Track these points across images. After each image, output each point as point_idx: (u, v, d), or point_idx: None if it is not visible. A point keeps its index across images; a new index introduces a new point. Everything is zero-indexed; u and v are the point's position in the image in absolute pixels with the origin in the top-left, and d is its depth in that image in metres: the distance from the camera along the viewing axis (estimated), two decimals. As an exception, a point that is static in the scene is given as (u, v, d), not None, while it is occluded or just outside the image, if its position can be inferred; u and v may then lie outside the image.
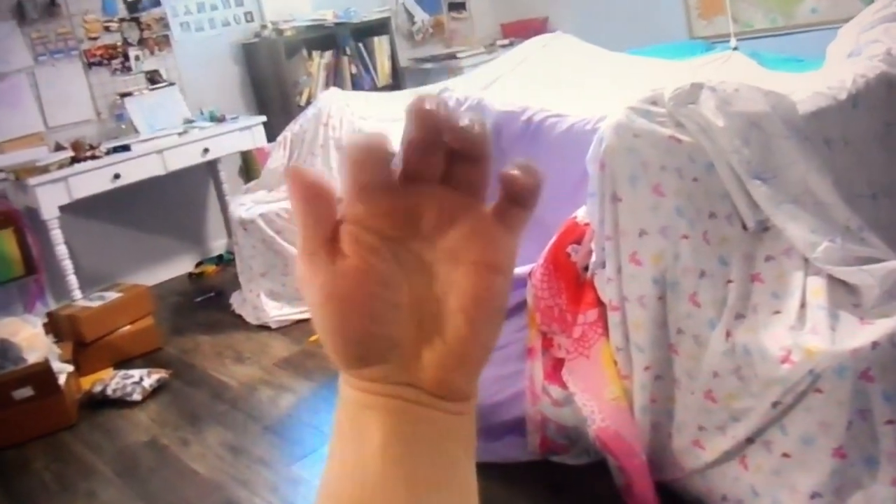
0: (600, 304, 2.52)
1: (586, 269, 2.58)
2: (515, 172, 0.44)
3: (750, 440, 2.23)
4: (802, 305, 2.18)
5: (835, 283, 2.19)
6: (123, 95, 5.22)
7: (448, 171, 0.44)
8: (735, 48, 3.99)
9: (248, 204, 4.55)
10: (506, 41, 6.74)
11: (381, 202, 0.43)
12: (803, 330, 2.13)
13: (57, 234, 4.59)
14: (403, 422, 0.45)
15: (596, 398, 2.50)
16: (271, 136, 5.26)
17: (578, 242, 2.62)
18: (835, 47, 3.09)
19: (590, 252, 2.55)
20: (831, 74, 2.74)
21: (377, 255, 0.43)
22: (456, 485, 0.47)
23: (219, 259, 5.65)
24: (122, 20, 5.31)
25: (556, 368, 2.65)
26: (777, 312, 2.21)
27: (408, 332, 0.45)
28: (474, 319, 0.45)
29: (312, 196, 0.43)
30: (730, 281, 2.29)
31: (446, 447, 0.46)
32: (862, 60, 2.77)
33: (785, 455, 2.16)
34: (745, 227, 2.31)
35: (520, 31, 6.63)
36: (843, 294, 2.19)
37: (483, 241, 0.44)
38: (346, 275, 0.43)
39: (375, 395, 0.45)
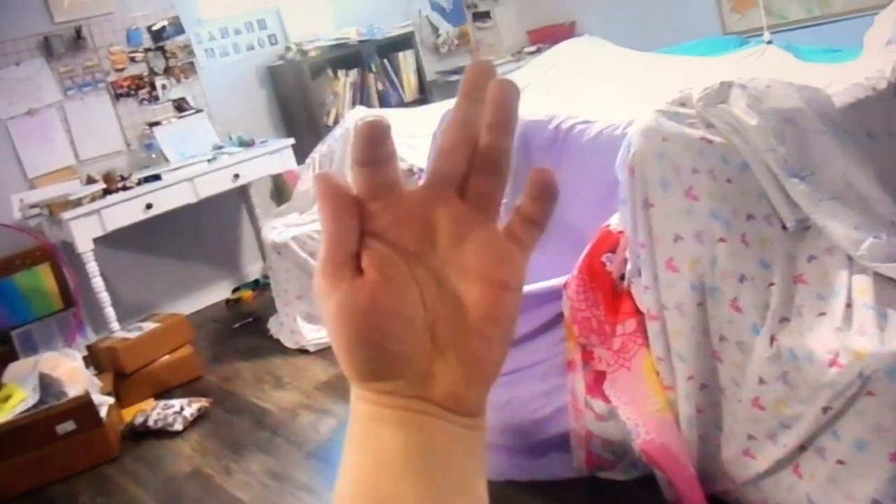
0: (639, 313, 2.46)
1: (622, 277, 2.52)
2: (544, 170, 0.45)
3: (802, 448, 2.17)
4: (848, 305, 2.11)
5: (881, 280, 2.11)
6: (152, 125, 5.24)
7: (464, 184, 0.45)
8: (769, 42, 3.90)
9: (279, 227, 4.53)
10: (533, 48, 6.68)
11: (399, 204, 0.44)
12: (850, 331, 2.06)
13: (93, 267, 4.60)
14: (416, 434, 0.45)
15: (639, 411, 2.44)
16: (301, 158, 5.24)
17: (613, 251, 2.56)
18: (872, 35, 3.00)
19: (625, 260, 2.49)
20: (869, 64, 2.65)
21: (395, 270, 0.43)
22: (470, 498, 0.46)
23: (255, 284, 5.64)
24: (147, 50, 5.34)
25: (597, 381, 2.59)
26: (822, 314, 2.13)
27: (422, 347, 0.45)
28: (488, 336, 0.45)
29: (341, 204, 0.43)
30: (772, 284, 2.22)
31: (459, 460, 0.46)
32: (900, 47, 2.68)
33: (840, 462, 2.08)
34: (784, 227, 2.23)
35: (547, 37, 6.57)
36: (892, 291, 2.10)
37: (497, 258, 0.45)
38: (365, 289, 0.43)
39: (388, 409, 0.45)
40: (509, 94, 0.44)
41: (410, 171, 3.98)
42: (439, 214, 0.44)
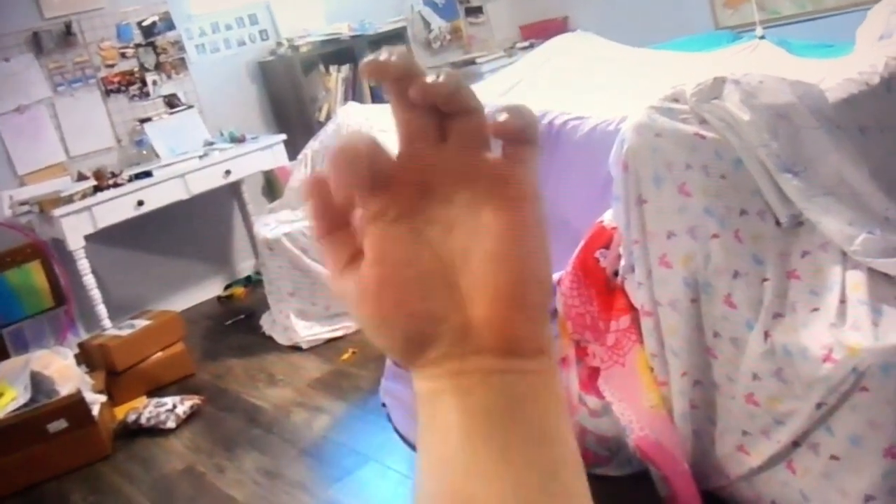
0: (633, 309, 2.46)
1: (616, 273, 2.51)
2: (502, 118, 0.43)
3: (796, 443, 2.16)
4: (842, 301, 2.11)
5: (875, 275, 2.11)
6: (143, 121, 5.22)
7: (444, 132, 0.43)
8: (762, 37, 3.89)
9: (272, 224, 4.51)
10: (525, 43, 6.67)
11: (389, 181, 0.42)
12: (844, 326, 2.06)
13: (84, 264, 4.58)
14: (477, 396, 0.42)
15: (634, 407, 2.43)
16: (293, 153, 5.23)
17: (607, 247, 2.55)
18: (865, 30, 2.99)
19: (618, 256, 2.49)
20: (862, 59, 2.64)
21: (395, 241, 0.43)
22: (552, 454, 0.43)
23: (247, 280, 5.63)
24: (137, 46, 5.32)
25: (591, 378, 2.58)
26: (816, 310, 2.13)
27: (450, 300, 0.43)
28: (513, 255, 0.43)
29: (338, 216, 0.44)
30: (765, 279, 2.21)
31: (530, 414, 0.43)
32: (894, 43, 2.67)
33: (833, 457, 2.08)
34: (778, 222, 2.23)
35: (539, 32, 6.55)
36: (885, 287, 2.10)
37: (499, 180, 0.43)
38: (368, 275, 0.43)
39: (445, 378, 0.43)
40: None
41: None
42: (429, 168, 0.43)
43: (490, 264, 0.42)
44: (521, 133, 0.43)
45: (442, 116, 0.43)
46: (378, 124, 4.44)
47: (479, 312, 0.43)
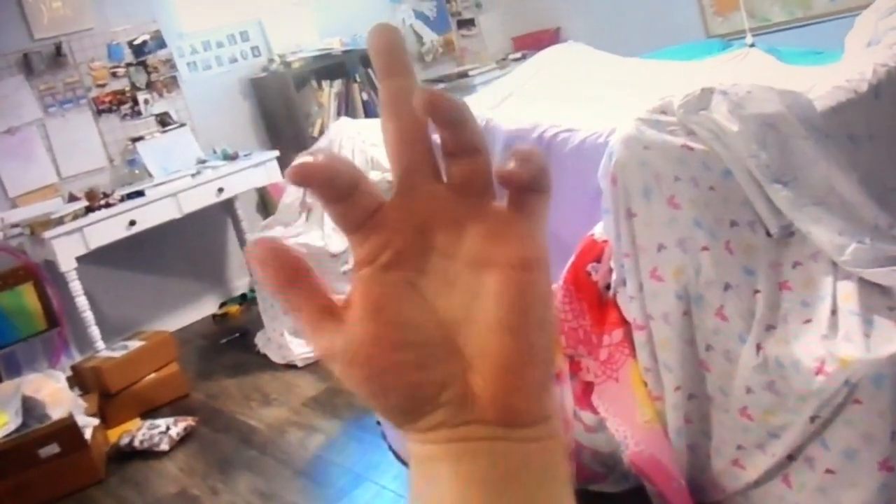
0: (625, 323, 2.43)
1: (608, 287, 2.49)
2: (510, 166, 0.40)
3: (791, 457, 2.14)
4: (833, 312, 2.08)
5: (867, 285, 2.09)
6: (135, 140, 5.21)
7: (447, 176, 0.41)
8: (751, 45, 3.88)
9: (265, 241, 4.48)
10: (518, 55, 6.67)
11: (384, 223, 0.40)
12: (836, 338, 2.04)
13: (76, 286, 4.55)
14: (475, 465, 0.40)
15: (628, 422, 2.40)
16: (286, 170, 5.20)
17: (598, 260, 2.53)
18: (853, 37, 2.98)
19: (610, 270, 2.46)
20: (851, 66, 2.63)
21: (391, 296, 0.40)
22: None
23: (242, 298, 5.59)
24: (128, 65, 5.31)
25: (585, 393, 2.55)
26: (808, 321, 2.11)
27: (451, 365, 0.40)
28: (519, 327, 0.40)
29: (292, 273, 0.40)
30: (757, 291, 2.19)
31: (527, 482, 0.40)
32: (881, 49, 2.65)
33: (829, 471, 2.06)
34: (768, 233, 2.21)
35: (531, 43, 6.55)
36: (877, 297, 2.08)
37: (506, 238, 0.40)
38: (361, 332, 0.39)
39: (442, 444, 0.40)
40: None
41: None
42: (427, 213, 0.40)
43: (492, 333, 0.40)
44: (531, 183, 0.40)
45: (443, 156, 0.40)
46: (370, 139, 4.43)
47: (479, 382, 0.40)
